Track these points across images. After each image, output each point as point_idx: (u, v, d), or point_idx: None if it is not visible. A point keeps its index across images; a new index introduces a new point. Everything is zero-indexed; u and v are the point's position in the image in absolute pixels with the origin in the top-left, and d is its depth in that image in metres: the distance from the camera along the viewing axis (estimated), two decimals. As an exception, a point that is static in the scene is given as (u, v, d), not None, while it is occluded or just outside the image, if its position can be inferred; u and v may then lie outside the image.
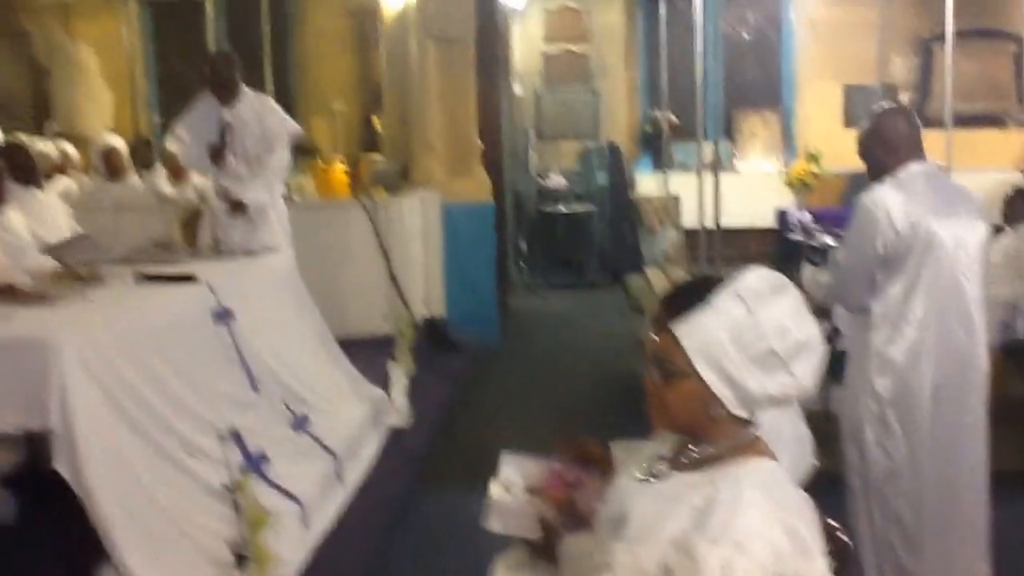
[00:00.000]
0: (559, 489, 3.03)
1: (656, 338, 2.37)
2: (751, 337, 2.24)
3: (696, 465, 2.33)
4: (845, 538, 2.47)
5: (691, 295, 2.40)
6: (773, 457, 2.33)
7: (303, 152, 10.85)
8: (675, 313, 2.35)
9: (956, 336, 4.22)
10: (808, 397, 2.31)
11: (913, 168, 4.22)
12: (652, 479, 2.40)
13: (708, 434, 2.33)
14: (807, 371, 2.24)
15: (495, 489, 3.05)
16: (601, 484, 3.13)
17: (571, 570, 2.78)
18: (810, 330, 2.25)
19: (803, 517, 2.19)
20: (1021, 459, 6.35)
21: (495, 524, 2.98)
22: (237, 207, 6.56)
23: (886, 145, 4.27)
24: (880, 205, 4.13)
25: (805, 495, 2.28)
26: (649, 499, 2.34)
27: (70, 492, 3.87)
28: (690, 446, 2.37)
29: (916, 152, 4.28)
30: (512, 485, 3.04)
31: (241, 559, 3.68)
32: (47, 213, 6.47)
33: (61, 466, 3.81)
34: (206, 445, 4.44)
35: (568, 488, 3.04)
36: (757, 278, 2.31)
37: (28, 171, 6.64)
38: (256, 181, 6.71)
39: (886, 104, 5.13)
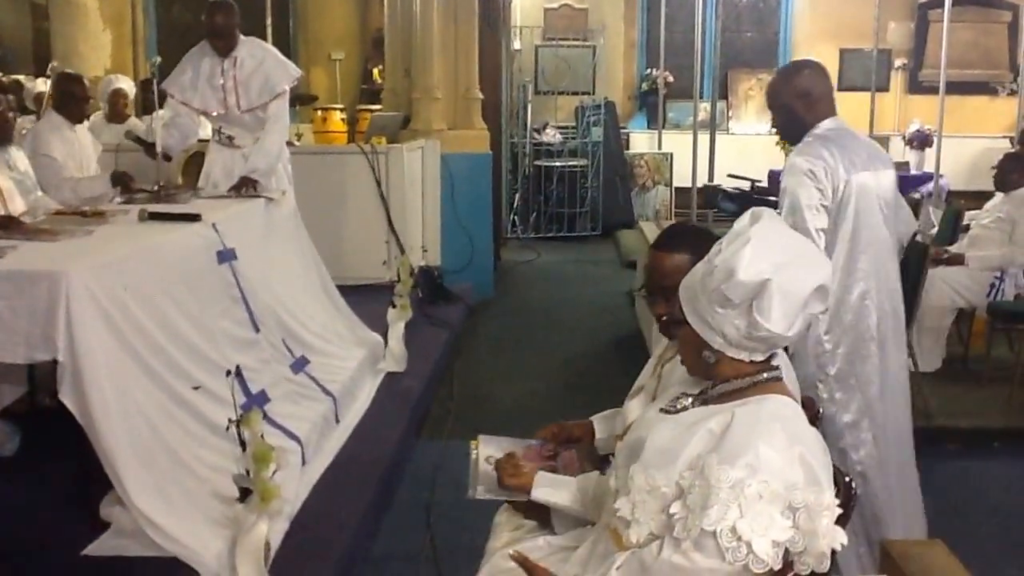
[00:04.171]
0: (538, 461, 3.08)
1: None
2: (710, 281, 2.29)
3: (718, 400, 2.39)
4: (850, 481, 2.50)
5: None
6: (794, 398, 2.39)
7: (302, 100, 10.85)
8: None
9: (892, 284, 4.27)
10: (788, 339, 2.32)
11: (830, 123, 4.20)
12: (675, 412, 2.45)
13: (722, 377, 2.38)
14: (768, 312, 2.24)
15: (479, 462, 3.10)
16: (581, 457, 3.19)
17: (564, 519, 2.85)
18: (760, 272, 2.23)
19: (815, 452, 2.23)
20: (1005, 418, 6.53)
21: (479, 491, 3.02)
22: (248, 183, 6.51)
23: (809, 100, 4.20)
24: (817, 162, 4.08)
25: (818, 433, 2.33)
26: (668, 427, 2.40)
27: (71, 428, 3.88)
28: (701, 396, 2.43)
29: (832, 107, 4.26)
30: (493, 459, 3.09)
31: (245, 493, 3.71)
32: (81, 151, 6.50)
33: (66, 397, 3.79)
34: (209, 381, 4.46)
35: (546, 460, 3.08)
36: (741, 221, 2.35)
37: (81, 104, 6.64)
38: (257, 155, 6.62)
39: (799, 60, 4.91)
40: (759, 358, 2.35)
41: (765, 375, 2.37)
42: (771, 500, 2.12)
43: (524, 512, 3.08)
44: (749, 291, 2.23)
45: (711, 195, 10.22)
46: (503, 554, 3.01)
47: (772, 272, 2.22)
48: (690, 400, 2.46)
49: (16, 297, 3.84)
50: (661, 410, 2.51)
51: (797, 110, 4.22)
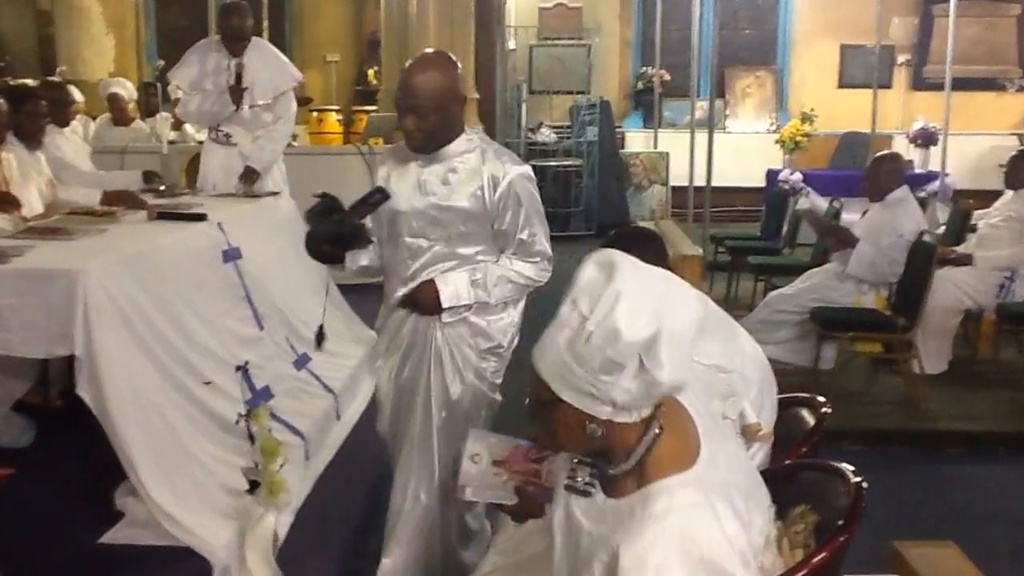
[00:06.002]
0: (523, 464, 3.05)
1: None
2: (586, 351, 2.01)
3: (615, 480, 2.20)
4: (861, 480, 2.44)
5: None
6: (688, 456, 2.16)
7: (297, 102, 10.96)
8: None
9: None
10: (686, 382, 2.10)
11: (472, 129, 4.05)
12: (578, 489, 2.28)
13: (611, 447, 2.15)
14: (663, 363, 1.99)
15: (464, 462, 3.10)
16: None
17: None
18: (646, 326, 1.99)
19: (724, 548, 2.05)
20: (1011, 422, 6.44)
21: (468, 493, 3.06)
22: (250, 174, 6.64)
23: (460, 101, 3.83)
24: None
25: (729, 511, 2.09)
26: (571, 540, 2.25)
27: (84, 421, 3.99)
28: (598, 469, 2.24)
29: None
30: (479, 457, 3.12)
31: (254, 485, 3.79)
32: (71, 153, 6.57)
33: (84, 391, 3.89)
34: (217, 378, 4.55)
35: (532, 464, 3.05)
36: (591, 274, 2.09)
37: (65, 108, 6.71)
38: (266, 141, 6.80)
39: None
40: (647, 412, 2.11)
41: (654, 432, 2.12)
42: None
43: (519, 519, 3.05)
44: (638, 349, 1.98)
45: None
46: (500, 551, 3.09)
47: (657, 322, 1.99)
48: (589, 473, 2.25)
49: (35, 294, 3.95)
50: (566, 487, 2.31)
51: (456, 113, 3.82)
